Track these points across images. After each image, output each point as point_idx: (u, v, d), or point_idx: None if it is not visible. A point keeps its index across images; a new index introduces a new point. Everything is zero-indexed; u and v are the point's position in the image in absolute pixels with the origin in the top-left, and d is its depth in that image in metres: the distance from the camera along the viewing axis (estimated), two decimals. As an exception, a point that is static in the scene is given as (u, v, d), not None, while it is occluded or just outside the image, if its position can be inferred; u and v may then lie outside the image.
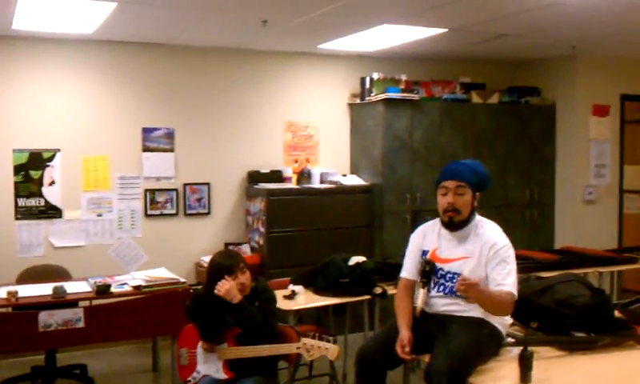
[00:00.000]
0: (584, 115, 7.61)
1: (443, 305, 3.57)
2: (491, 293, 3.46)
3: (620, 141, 7.87)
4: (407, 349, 3.45)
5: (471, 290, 3.34)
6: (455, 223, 3.60)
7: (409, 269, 3.78)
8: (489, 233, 3.58)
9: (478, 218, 3.66)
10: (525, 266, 5.47)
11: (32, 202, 6.18)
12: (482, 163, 3.78)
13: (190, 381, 3.84)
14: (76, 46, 6.28)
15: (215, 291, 3.64)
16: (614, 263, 6.07)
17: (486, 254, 3.51)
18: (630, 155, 8.31)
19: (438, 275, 3.61)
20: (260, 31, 5.90)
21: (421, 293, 3.45)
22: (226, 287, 3.63)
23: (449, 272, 3.59)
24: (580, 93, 7.58)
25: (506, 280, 3.46)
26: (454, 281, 3.54)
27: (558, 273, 4.65)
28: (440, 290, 3.60)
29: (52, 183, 6.25)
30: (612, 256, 6.19)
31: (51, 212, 6.25)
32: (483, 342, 3.40)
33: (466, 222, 3.60)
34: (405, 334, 3.50)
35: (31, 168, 6.17)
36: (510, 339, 3.58)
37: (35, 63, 6.18)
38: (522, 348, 3.11)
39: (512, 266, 3.52)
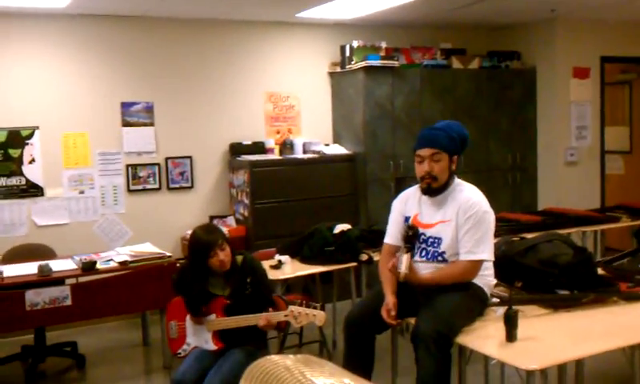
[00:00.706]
0: (564, 78, 7.63)
1: (427, 269, 3.59)
2: (434, 275, 3.50)
3: (600, 102, 7.91)
4: (393, 313, 3.48)
5: (410, 279, 3.40)
6: (433, 189, 3.61)
7: (392, 234, 3.80)
8: (465, 195, 3.57)
9: (457, 181, 3.66)
10: (508, 228, 5.54)
11: (13, 180, 6.12)
12: (459, 123, 3.77)
13: (180, 353, 3.86)
14: (50, 21, 6.19)
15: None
16: (597, 223, 6.14)
17: (460, 218, 3.51)
18: (611, 116, 8.37)
19: (420, 240, 3.63)
20: (238, 1, 5.84)
21: (404, 258, 3.44)
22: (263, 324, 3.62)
23: (430, 237, 3.61)
24: (560, 56, 7.60)
25: (477, 247, 3.46)
26: (435, 245, 3.57)
27: (542, 233, 4.69)
28: (422, 254, 3.62)
29: (32, 161, 6.19)
30: (595, 216, 6.26)
31: (33, 190, 6.20)
32: (468, 303, 3.43)
33: (445, 186, 3.60)
34: (390, 299, 3.53)
35: (10, 146, 6.11)
36: (494, 299, 3.61)
37: (9, 39, 6.09)
38: (506, 307, 3.15)
39: (485, 229, 3.50)
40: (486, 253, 3.50)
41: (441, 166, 3.58)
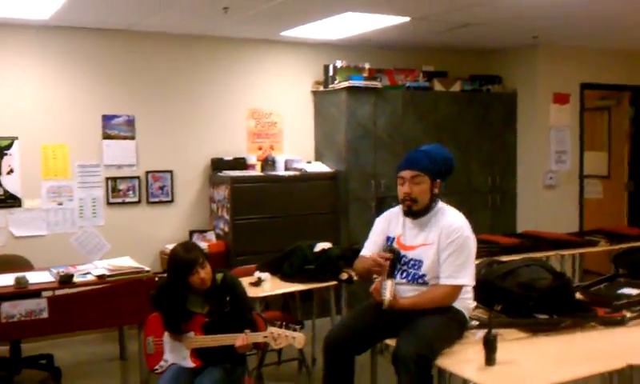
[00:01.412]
0: (545, 103, 7.73)
1: (407, 291, 3.59)
2: (415, 300, 3.51)
3: (580, 128, 8.02)
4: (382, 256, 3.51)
5: (393, 306, 3.42)
6: (413, 212, 3.63)
7: (369, 249, 3.82)
8: (448, 220, 3.58)
9: (440, 204, 3.67)
10: (487, 250, 5.57)
11: (-10, 191, 6.06)
12: (443, 147, 3.79)
13: (157, 369, 3.82)
14: (33, 32, 6.15)
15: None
16: (575, 246, 6.20)
17: (442, 243, 3.52)
18: (590, 141, 8.48)
19: (402, 262, 3.64)
20: (222, 18, 5.86)
21: (388, 284, 3.43)
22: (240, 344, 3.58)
23: (412, 259, 3.62)
24: (541, 81, 7.70)
25: (458, 272, 3.48)
26: (416, 268, 3.58)
27: (521, 256, 4.74)
28: (404, 276, 3.63)
29: (10, 172, 6.12)
30: (573, 239, 6.31)
31: (10, 201, 6.13)
32: (448, 326, 3.45)
33: (427, 209, 3.61)
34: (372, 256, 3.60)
35: (-11, 156, 6.05)
36: (474, 322, 3.63)
37: (-8, 49, 6.05)
38: (486, 330, 3.16)
39: (467, 254, 3.52)
40: (466, 278, 3.52)
41: (421, 188, 3.59)
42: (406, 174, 3.61)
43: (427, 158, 3.63)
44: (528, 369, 3.15)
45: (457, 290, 3.49)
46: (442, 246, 3.52)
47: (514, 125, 7.91)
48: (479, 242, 5.68)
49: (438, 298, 3.49)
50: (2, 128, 6.09)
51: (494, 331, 3.16)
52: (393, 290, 3.43)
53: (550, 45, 7.60)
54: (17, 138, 6.13)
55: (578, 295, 4.10)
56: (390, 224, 3.78)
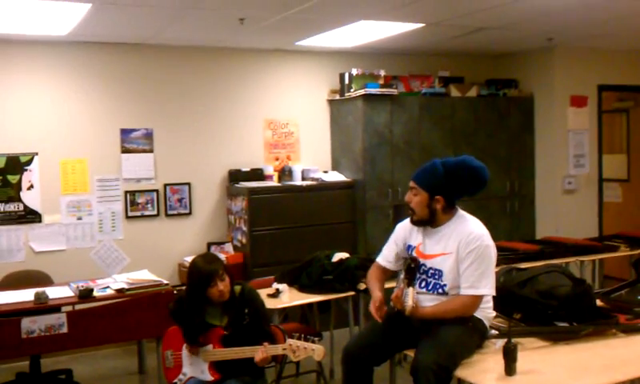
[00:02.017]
0: (562, 106, 7.67)
1: (428, 301, 3.58)
2: (435, 309, 3.50)
3: (598, 130, 7.93)
4: (384, 309, 3.56)
5: (414, 313, 3.42)
6: (414, 221, 3.66)
7: (385, 256, 3.85)
8: (467, 229, 3.54)
9: (459, 213, 3.65)
10: (506, 257, 5.53)
11: (11, 206, 6.11)
12: (471, 163, 3.63)
13: (176, 383, 3.84)
14: (51, 48, 6.22)
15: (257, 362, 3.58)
16: (595, 252, 6.14)
17: (462, 252, 3.49)
18: (608, 144, 8.40)
19: (421, 271, 3.62)
20: (237, 29, 5.88)
21: (410, 291, 3.44)
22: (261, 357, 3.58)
23: (431, 268, 3.60)
24: (558, 84, 7.63)
25: (479, 282, 3.45)
26: (436, 277, 3.56)
27: (540, 263, 4.70)
28: (422, 285, 3.62)
29: (30, 187, 6.19)
30: (593, 245, 6.25)
31: (30, 216, 6.19)
32: (468, 336, 3.42)
33: (429, 221, 3.60)
34: (377, 295, 3.61)
35: (9, 172, 6.10)
36: (493, 331, 3.60)
37: (10, 66, 6.11)
38: (505, 340, 3.13)
39: (487, 263, 3.48)
40: (487, 288, 3.49)
41: (417, 200, 3.60)
42: (410, 183, 3.66)
43: (429, 174, 3.61)
44: (548, 378, 3.12)
45: (477, 299, 3.46)
46: (462, 255, 3.49)
47: (531, 129, 7.85)
48: (498, 248, 5.66)
49: (458, 308, 3.47)
50: (22, 144, 6.16)
51: (513, 340, 3.13)
52: (414, 297, 3.42)
53: (565, 47, 7.54)
54: (36, 154, 6.20)
55: (598, 302, 4.05)
56: (411, 232, 3.76)
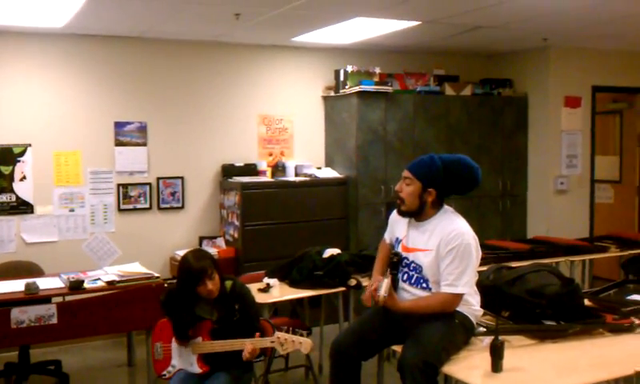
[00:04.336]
0: (556, 106, 7.69)
1: (409, 294, 3.60)
2: (413, 304, 3.53)
3: (591, 131, 7.96)
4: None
5: (388, 304, 3.44)
6: (402, 212, 3.66)
7: (389, 235, 3.91)
8: (449, 227, 3.53)
9: (445, 209, 3.65)
10: (497, 255, 5.55)
11: (3, 197, 6.10)
12: (468, 164, 3.66)
13: (164, 375, 3.85)
14: (47, 40, 6.21)
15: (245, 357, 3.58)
16: (585, 252, 6.16)
17: (442, 250, 3.49)
18: (601, 146, 8.43)
19: (403, 264, 3.64)
20: (233, 24, 5.88)
21: (384, 282, 3.45)
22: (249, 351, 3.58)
23: (413, 261, 3.62)
24: (552, 84, 7.65)
25: (458, 281, 3.45)
26: (417, 271, 3.58)
27: (530, 262, 4.71)
28: (405, 278, 3.64)
29: (23, 178, 6.18)
30: (583, 245, 6.28)
31: (22, 207, 6.18)
32: (454, 333, 3.44)
33: (418, 214, 3.61)
34: (375, 277, 3.67)
35: (1, 163, 6.09)
36: (481, 329, 3.62)
37: (5, 57, 6.10)
38: (492, 337, 3.15)
39: (467, 262, 3.47)
40: (467, 286, 3.49)
41: (409, 190, 3.60)
42: (404, 172, 3.66)
43: (426, 165, 3.62)
44: (535, 376, 3.14)
45: (456, 298, 3.47)
46: (442, 253, 3.49)
47: (525, 129, 7.87)
48: (489, 247, 5.74)
49: (437, 304, 3.48)
50: (15, 135, 6.15)
51: (501, 338, 3.15)
52: (388, 288, 3.42)
53: (560, 47, 7.56)
54: (30, 145, 6.19)
55: (586, 301, 4.08)
56: (398, 223, 3.78)
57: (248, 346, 3.55)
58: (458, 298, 3.47)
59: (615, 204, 8.74)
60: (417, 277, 3.59)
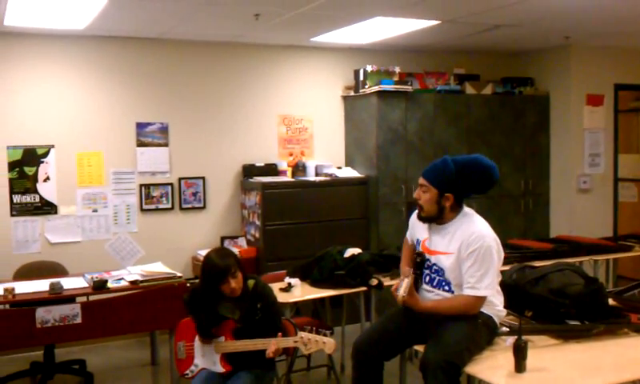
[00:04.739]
0: (578, 105, 7.63)
1: (432, 296, 3.60)
2: (435, 304, 3.53)
3: (614, 130, 7.89)
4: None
5: (408, 304, 3.43)
6: (422, 218, 3.67)
7: (409, 235, 3.94)
8: (470, 229, 3.52)
9: (465, 211, 3.63)
10: (520, 255, 5.52)
11: (27, 198, 6.18)
12: (482, 162, 3.63)
13: (187, 374, 3.87)
14: (69, 42, 6.27)
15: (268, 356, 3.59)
16: (609, 251, 6.10)
17: (463, 253, 3.49)
18: (624, 144, 8.34)
19: (426, 266, 3.64)
20: (253, 25, 5.90)
21: (404, 282, 3.46)
22: (273, 350, 3.59)
23: (435, 264, 3.62)
24: (574, 83, 7.59)
25: (480, 283, 3.43)
26: (440, 274, 3.58)
27: (553, 262, 4.68)
28: (427, 280, 3.64)
29: (47, 179, 6.25)
30: (607, 244, 6.22)
31: (46, 208, 6.25)
32: (477, 333, 3.42)
33: (438, 219, 3.60)
34: (405, 270, 3.67)
35: (25, 164, 6.17)
36: (504, 328, 3.60)
37: (28, 59, 6.17)
38: (516, 337, 3.14)
39: (488, 264, 3.45)
40: (489, 289, 3.47)
41: (426, 197, 3.61)
42: (420, 180, 3.66)
43: (440, 171, 3.60)
44: (558, 376, 3.12)
45: (478, 300, 3.46)
46: (463, 255, 3.48)
47: (546, 128, 7.82)
48: (511, 247, 5.72)
49: (460, 306, 3.47)
50: (38, 136, 6.22)
51: (524, 338, 3.13)
52: (408, 288, 3.42)
53: (582, 45, 7.50)
54: (53, 146, 6.26)
55: (610, 301, 4.04)
56: (419, 225, 3.77)
57: (272, 346, 3.56)
58: (481, 300, 3.46)
59: (639, 202, 8.64)
60: (439, 279, 3.58)
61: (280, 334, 3.63)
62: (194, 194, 6.83)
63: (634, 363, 3.25)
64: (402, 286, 3.44)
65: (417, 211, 3.75)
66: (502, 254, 3.59)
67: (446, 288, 3.55)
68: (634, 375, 3.14)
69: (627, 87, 7.96)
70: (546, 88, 7.86)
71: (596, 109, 7.72)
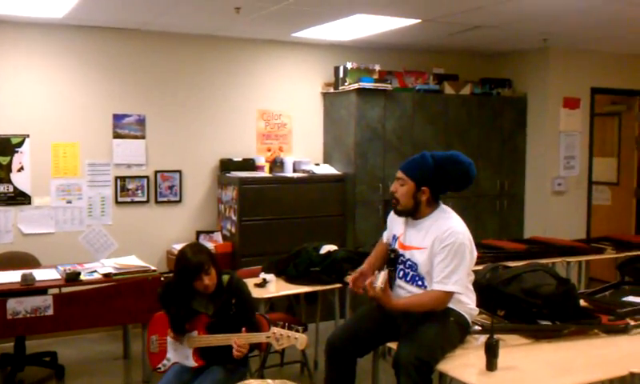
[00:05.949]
0: (555, 107, 7.70)
1: (406, 291, 3.60)
2: (406, 301, 3.53)
3: (590, 133, 7.97)
4: (358, 281, 3.68)
5: (382, 298, 3.41)
6: (397, 211, 3.67)
7: (386, 235, 3.94)
8: (445, 225, 3.53)
9: (442, 208, 3.65)
10: (494, 255, 5.55)
11: (0, 188, 6.10)
12: (460, 161, 3.64)
13: (160, 368, 3.85)
14: (46, 31, 6.20)
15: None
16: (582, 253, 6.16)
17: (436, 248, 3.49)
18: (599, 147, 8.44)
19: (400, 261, 3.65)
20: (233, 18, 5.87)
21: (382, 274, 3.45)
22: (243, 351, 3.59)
23: (409, 259, 3.62)
24: (551, 85, 7.66)
25: (449, 279, 3.43)
26: (414, 269, 3.59)
27: (526, 262, 4.72)
28: (401, 275, 3.65)
29: (21, 169, 6.17)
30: (580, 246, 6.28)
31: (20, 198, 6.18)
32: (449, 331, 3.44)
33: (412, 212, 3.61)
34: (361, 268, 3.79)
35: (-1, 154, 6.11)
36: (476, 327, 3.62)
37: (4, 47, 6.09)
38: (487, 336, 3.16)
39: (459, 261, 3.45)
40: (457, 285, 3.46)
41: (403, 190, 3.61)
42: (398, 173, 3.67)
43: (418, 165, 3.62)
44: (529, 375, 3.14)
45: (446, 295, 3.45)
46: (435, 250, 3.49)
47: (523, 129, 7.88)
48: (486, 246, 5.75)
49: (428, 302, 3.47)
50: (13, 126, 6.14)
51: (496, 336, 3.15)
52: (385, 281, 3.41)
53: (560, 48, 7.57)
54: (28, 136, 6.18)
55: (582, 302, 4.08)
56: (396, 222, 3.79)
57: (235, 341, 3.53)
58: (449, 295, 3.45)
59: (613, 206, 8.75)
60: (412, 274, 3.59)
61: (244, 329, 3.60)
62: (170, 188, 6.78)
63: (604, 363, 3.28)
64: (378, 278, 3.43)
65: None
66: (475, 254, 3.60)
67: (419, 283, 3.56)
68: (605, 375, 3.17)
69: (603, 91, 8.05)
70: (523, 90, 7.92)
71: (572, 112, 7.79)
